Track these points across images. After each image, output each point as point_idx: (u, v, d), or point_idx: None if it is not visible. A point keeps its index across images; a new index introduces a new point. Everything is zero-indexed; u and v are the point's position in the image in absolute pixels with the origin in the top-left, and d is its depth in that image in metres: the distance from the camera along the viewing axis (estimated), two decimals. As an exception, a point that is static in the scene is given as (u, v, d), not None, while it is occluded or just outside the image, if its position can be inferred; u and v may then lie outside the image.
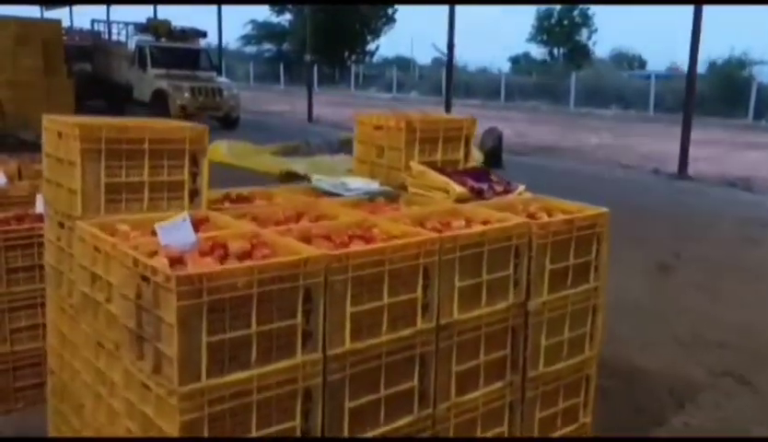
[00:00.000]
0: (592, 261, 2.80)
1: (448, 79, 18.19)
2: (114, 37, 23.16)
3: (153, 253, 2.03)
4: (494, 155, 12.16)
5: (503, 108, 29.14)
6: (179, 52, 18.93)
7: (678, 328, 4.85)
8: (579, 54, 42.88)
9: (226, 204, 2.79)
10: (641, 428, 3.48)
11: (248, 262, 1.98)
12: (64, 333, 2.61)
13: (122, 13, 42.17)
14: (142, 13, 26.17)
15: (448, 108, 16.87)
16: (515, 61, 49.01)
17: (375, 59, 50.64)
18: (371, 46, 49.54)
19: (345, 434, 2.13)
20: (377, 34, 48.71)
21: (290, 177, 10.22)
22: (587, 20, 45.59)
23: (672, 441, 3.44)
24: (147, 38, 19.29)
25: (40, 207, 3.15)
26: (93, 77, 19.80)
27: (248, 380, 1.90)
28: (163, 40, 19.06)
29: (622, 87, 31.79)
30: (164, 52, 18.70)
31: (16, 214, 3.50)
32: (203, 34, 20.43)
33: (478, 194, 3.00)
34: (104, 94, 19.39)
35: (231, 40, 50.75)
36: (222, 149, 11.39)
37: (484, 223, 2.62)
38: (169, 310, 1.78)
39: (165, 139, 2.46)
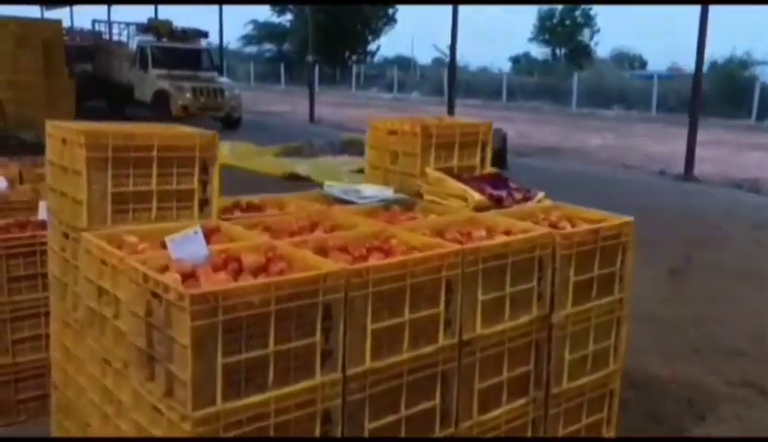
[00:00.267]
0: (617, 272, 2.70)
1: (451, 79, 17.98)
2: (115, 37, 22.99)
3: (163, 267, 1.93)
4: (498, 156, 12.03)
5: (504, 108, 28.99)
6: (180, 52, 18.79)
7: (694, 336, 4.74)
8: (581, 54, 42.77)
9: (237, 213, 2.69)
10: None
11: (264, 278, 1.88)
12: (68, 347, 2.50)
13: (122, 13, 42.13)
14: (143, 13, 26.05)
15: (450, 108, 16.74)
16: (515, 61, 48.95)
17: (376, 59, 50.67)
18: (372, 46, 49.54)
19: (365, 456, 2.02)
20: (377, 34, 48.63)
21: (293, 178, 10.14)
22: (589, 20, 45.57)
23: (672, 441, 3.37)
24: (149, 38, 19.13)
25: (42, 214, 3.04)
26: (94, 78, 19.65)
27: (265, 403, 1.80)
28: (164, 40, 18.91)
29: (624, 88, 31.67)
30: (165, 53, 18.56)
31: (17, 220, 3.38)
32: (205, 34, 20.30)
33: (497, 202, 2.90)
34: (105, 94, 19.33)
35: (232, 40, 50.69)
36: (224, 150, 11.28)
37: (506, 233, 2.52)
38: (183, 331, 1.68)
39: (174, 146, 2.36)
